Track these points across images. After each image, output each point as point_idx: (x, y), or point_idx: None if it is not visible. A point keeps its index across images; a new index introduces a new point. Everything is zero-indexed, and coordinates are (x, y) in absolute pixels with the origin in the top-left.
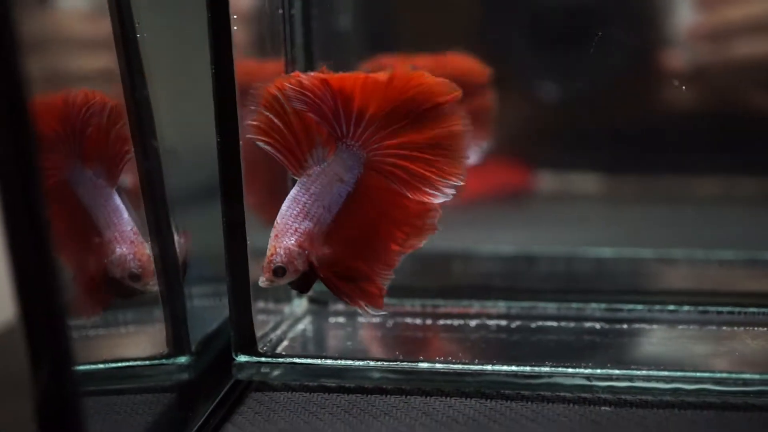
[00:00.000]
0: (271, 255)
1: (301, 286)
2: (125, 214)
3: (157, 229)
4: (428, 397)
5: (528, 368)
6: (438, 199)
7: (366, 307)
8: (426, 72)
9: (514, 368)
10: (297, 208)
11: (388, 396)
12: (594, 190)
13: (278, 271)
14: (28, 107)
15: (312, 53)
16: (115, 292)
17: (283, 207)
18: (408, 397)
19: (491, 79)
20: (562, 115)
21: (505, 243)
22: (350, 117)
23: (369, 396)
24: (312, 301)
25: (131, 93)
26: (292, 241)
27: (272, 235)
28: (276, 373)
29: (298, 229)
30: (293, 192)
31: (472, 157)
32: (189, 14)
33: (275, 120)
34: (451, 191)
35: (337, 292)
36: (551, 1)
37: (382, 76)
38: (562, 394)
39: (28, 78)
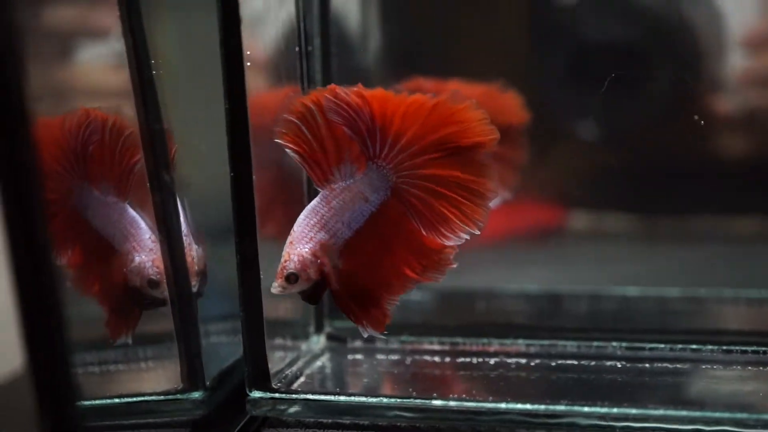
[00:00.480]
0: (285, 261)
1: (311, 296)
2: (142, 224)
3: (173, 265)
4: None
5: (542, 407)
6: (450, 242)
7: (367, 328)
8: (471, 104)
9: (528, 407)
10: (314, 219)
11: None
12: (625, 229)
13: (291, 278)
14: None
15: None
16: (136, 303)
17: (301, 216)
18: None
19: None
20: (598, 154)
21: (532, 281)
22: (386, 138)
23: None
24: (330, 337)
25: (146, 126)
26: (306, 249)
27: (287, 242)
28: (291, 409)
29: (313, 239)
30: (313, 202)
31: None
32: (205, 50)
33: (304, 129)
34: (466, 236)
35: (344, 307)
36: (592, 39)
37: (427, 100)
38: None
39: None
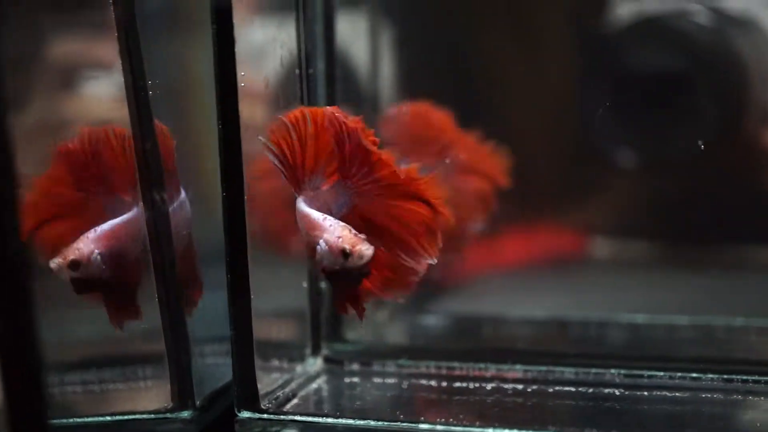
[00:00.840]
0: (348, 229)
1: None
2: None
3: (164, 285)
4: None
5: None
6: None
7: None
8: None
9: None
10: (319, 213)
11: None
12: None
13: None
14: None
15: None
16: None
17: (312, 216)
18: None
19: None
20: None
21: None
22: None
23: None
24: (327, 360)
25: (140, 145)
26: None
27: (327, 228)
28: (283, 431)
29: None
30: (306, 209)
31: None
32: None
33: (292, 132)
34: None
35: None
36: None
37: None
38: None
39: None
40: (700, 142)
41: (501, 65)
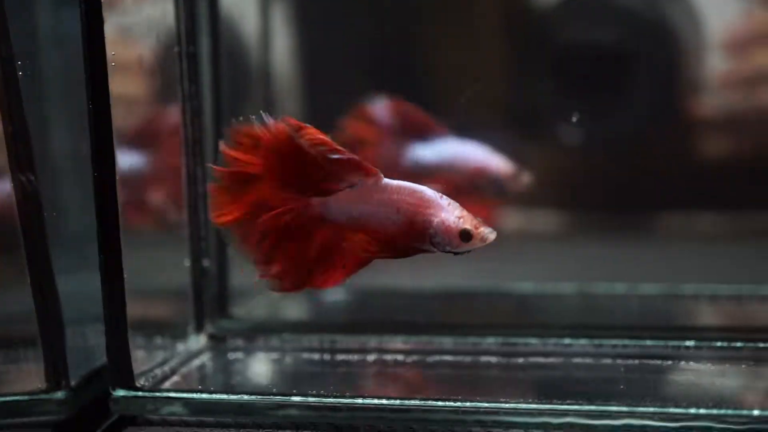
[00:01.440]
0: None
1: None
2: None
3: (35, 268)
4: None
5: (397, 401)
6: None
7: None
8: None
9: (384, 402)
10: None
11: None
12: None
13: None
14: None
15: (220, 95)
16: None
17: (426, 193)
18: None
19: None
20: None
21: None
22: None
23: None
24: (211, 337)
25: (9, 126)
26: None
27: (445, 207)
28: (163, 409)
29: None
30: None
31: None
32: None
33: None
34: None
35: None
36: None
37: None
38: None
39: None
40: (574, 115)
41: (415, 40)
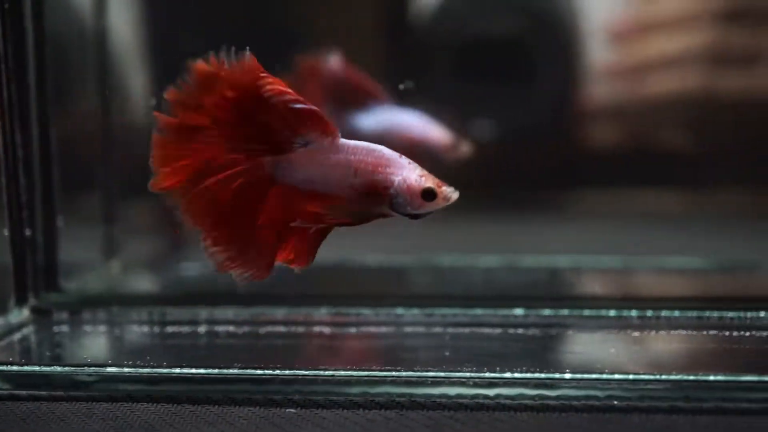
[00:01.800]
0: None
1: None
2: None
3: None
4: (115, 403)
5: (216, 371)
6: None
7: None
8: None
9: (202, 371)
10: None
11: (75, 403)
12: None
13: None
14: None
15: (44, 54)
16: None
17: (386, 152)
18: (93, 403)
19: None
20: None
21: None
22: None
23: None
24: (35, 311)
25: None
26: None
27: (405, 165)
28: None
29: None
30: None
31: None
32: None
33: None
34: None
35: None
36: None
37: None
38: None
39: None
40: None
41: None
